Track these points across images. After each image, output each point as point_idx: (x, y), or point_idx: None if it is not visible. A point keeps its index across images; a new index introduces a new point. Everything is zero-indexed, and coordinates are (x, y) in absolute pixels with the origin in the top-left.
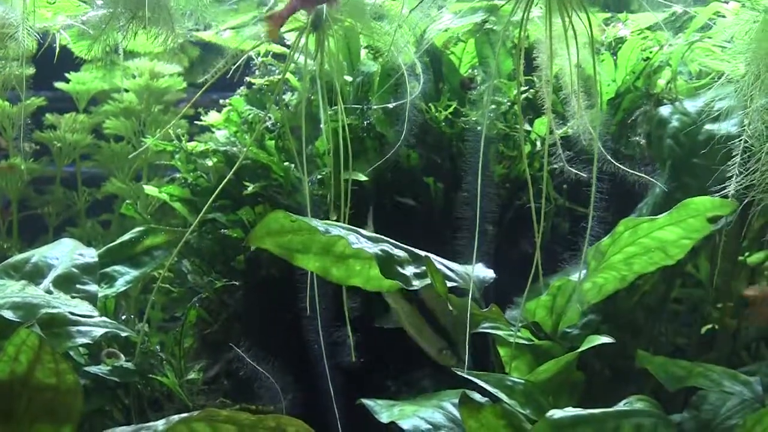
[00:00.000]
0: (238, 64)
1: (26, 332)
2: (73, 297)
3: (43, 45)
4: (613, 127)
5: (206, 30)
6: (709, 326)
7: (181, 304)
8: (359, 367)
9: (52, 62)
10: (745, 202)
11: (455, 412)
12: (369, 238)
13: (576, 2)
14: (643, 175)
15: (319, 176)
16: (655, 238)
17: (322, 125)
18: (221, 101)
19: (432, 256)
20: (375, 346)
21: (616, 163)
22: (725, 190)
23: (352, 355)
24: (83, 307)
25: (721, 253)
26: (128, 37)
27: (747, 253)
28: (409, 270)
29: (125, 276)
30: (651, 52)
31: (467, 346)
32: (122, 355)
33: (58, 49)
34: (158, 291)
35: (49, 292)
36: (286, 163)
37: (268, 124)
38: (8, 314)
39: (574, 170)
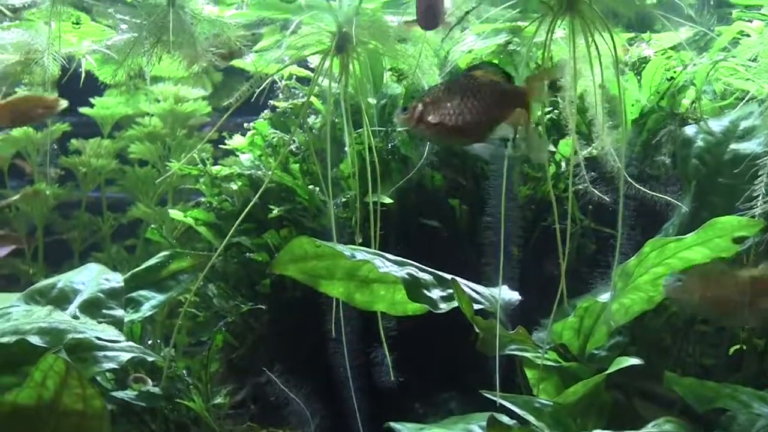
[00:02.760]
0: (262, 87)
1: (53, 358)
2: (99, 322)
3: (67, 70)
4: (637, 147)
5: None
6: (737, 347)
7: (206, 328)
8: (386, 390)
9: (76, 87)
10: None
11: None
12: (395, 262)
13: (599, 23)
14: (668, 195)
15: (343, 199)
16: (682, 259)
17: (346, 148)
18: (245, 125)
19: (458, 278)
20: (402, 369)
21: (638, 185)
22: (752, 210)
23: (391, 374)
24: (110, 332)
25: None
26: (153, 61)
27: None
28: (436, 293)
29: (151, 301)
30: (675, 72)
31: (497, 368)
32: (149, 380)
33: (83, 75)
34: (184, 315)
35: (75, 317)
36: (310, 186)
37: (293, 147)
38: (35, 339)
39: (597, 192)
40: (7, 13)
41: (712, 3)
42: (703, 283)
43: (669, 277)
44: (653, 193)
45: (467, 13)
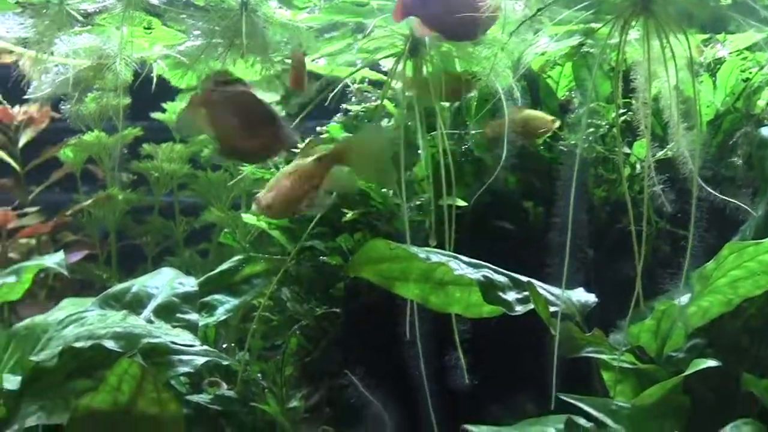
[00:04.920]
0: (335, 91)
1: (128, 362)
2: (173, 326)
3: (139, 75)
4: (713, 148)
5: None
6: None
7: (280, 332)
8: (463, 392)
9: (148, 92)
10: None
11: None
12: (469, 264)
13: (674, 24)
14: (744, 197)
15: (418, 202)
16: (762, 262)
17: (420, 151)
18: (318, 128)
19: (533, 281)
20: (479, 371)
21: (711, 189)
22: None
23: (465, 377)
24: (184, 337)
25: None
26: (225, 65)
27: None
28: (511, 295)
29: (225, 305)
30: (751, 73)
31: (554, 369)
32: (224, 384)
33: (155, 79)
34: (258, 319)
35: (149, 321)
36: (384, 190)
37: None
38: (110, 344)
39: (670, 195)
40: (79, 18)
41: None
42: (267, 192)
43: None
44: (726, 198)
45: (539, 11)
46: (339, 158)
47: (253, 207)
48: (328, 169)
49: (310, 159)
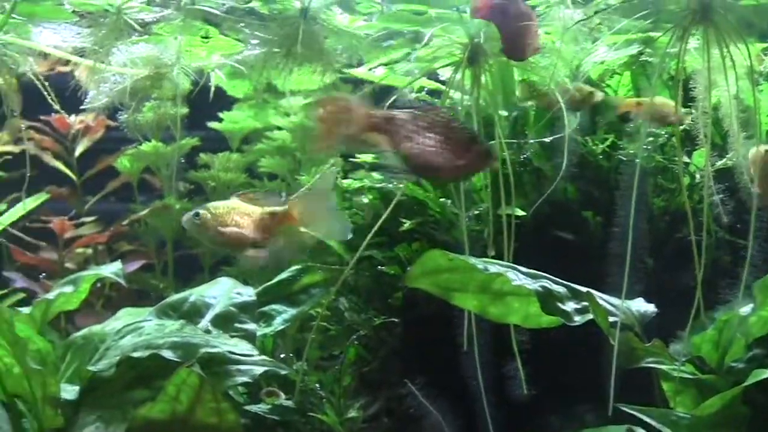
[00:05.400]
0: (392, 100)
1: (186, 372)
2: (231, 336)
3: (197, 84)
4: None
5: (359, 67)
6: None
7: (338, 342)
8: (521, 403)
9: (205, 102)
10: None
11: None
12: (528, 275)
13: (734, 32)
14: None
15: (476, 212)
16: None
17: None
18: None
19: (592, 291)
20: (537, 381)
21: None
22: None
23: (523, 387)
24: (242, 346)
25: None
26: (283, 75)
27: None
28: (570, 306)
29: (283, 315)
30: None
31: (612, 379)
32: (282, 394)
33: (212, 89)
34: (316, 329)
35: (207, 331)
36: (442, 199)
37: None
38: (168, 354)
39: (728, 205)
40: (137, 27)
41: None
42: (217, 219)
43: (188, 213)
44: None
45: (596, 13)
46: (290, 216)
47: (192, 221)
48: (280, 224)
49: (265, 210)
